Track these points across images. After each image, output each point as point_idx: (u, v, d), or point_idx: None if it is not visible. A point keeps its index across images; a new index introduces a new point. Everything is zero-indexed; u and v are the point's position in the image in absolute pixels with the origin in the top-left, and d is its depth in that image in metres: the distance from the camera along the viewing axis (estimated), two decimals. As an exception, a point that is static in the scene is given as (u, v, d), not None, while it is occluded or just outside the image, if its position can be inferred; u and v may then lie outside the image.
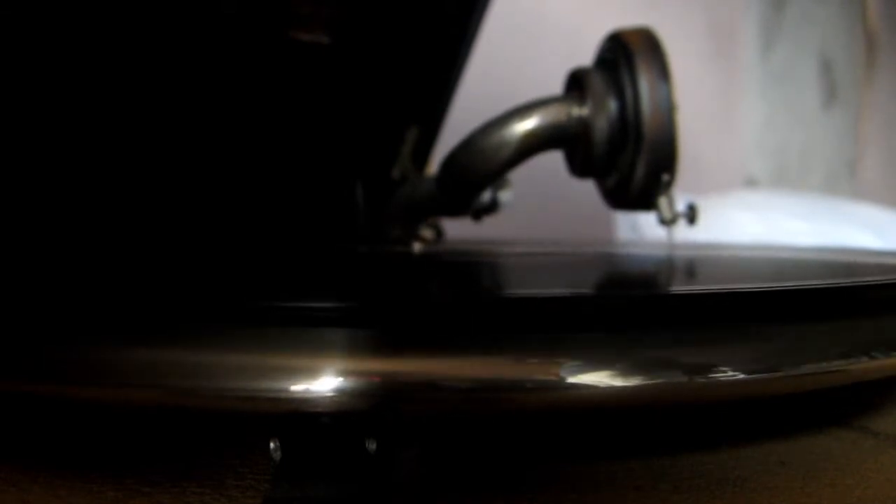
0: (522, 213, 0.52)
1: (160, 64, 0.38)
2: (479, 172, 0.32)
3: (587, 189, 0.35)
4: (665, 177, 0.30)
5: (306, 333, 0.15)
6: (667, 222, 0.31)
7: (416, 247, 0.39)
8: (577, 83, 0.32)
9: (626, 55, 0.30)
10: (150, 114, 0.38)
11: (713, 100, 0.98)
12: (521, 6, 0.75)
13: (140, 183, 0.39)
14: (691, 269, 0.30)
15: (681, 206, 0.31)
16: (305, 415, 0.15)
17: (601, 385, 0.15)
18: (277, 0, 0.39)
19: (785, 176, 1.06)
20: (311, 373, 0.15)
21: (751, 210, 0.68)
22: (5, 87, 0.34)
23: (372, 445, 0.15)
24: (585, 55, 0.34)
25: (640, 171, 0.30)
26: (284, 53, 0.41)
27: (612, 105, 0.31)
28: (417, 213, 0.42)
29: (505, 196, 0.43)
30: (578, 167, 0.33)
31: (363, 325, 0.15)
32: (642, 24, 0.32)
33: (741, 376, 0.16)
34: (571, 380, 0.15)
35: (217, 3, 0.38)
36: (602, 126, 0.31)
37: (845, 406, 0.22)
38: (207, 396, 0.15)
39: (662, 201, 0.31)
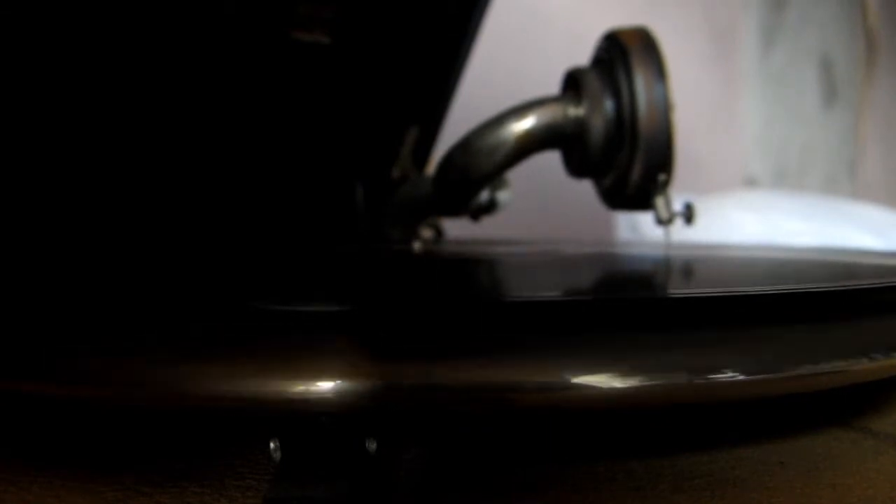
0: (522, 213, 0.52)
1: (161, 64, 0.38)
2: (475, 172, 0.32)
3: (587, 189, 0.35)
4: (662, 176, 0.30)
5: (306, 333, 0.15)
6: (663, 222, 0.31)
7: (416, 247, 0.38)
8: (573, 83, 0.32)
9: (622, 55, 0.30)
10: (151, 114, 0.38)
11: (713, 100, 0.98)
12: (521, 6, 0.75)
13: (141, 183, 0.39)
14: (691, 270, 0.30)
15: (678, 205, 0.31)
16: (305, 415, 0.15)
17: (601, 386, 0.15)
18: (278, 0, 0.39)
19: (785, 176, 1.06)
20: (312, 373, 0.15)
21: (751, 210, 0.68)
22: (6, 87, 0.34)
23: (372, 445, 0.15)
24: (585, 55, 0.34)
25: (637, 170, 0.30)
26: (285, 53, 0.41)
27: (609, 105, 0.31)
28: (417, 213, 0.42)
29: (503, 196, 0.43)
30: (575, 167, 0.33)
31: (363, 326, 0.15)
32: (640, 24, 0.32)
33: (741, 377, 0.16)
34: (572, 381, 0.15)
35: (218, 4, 0.38)
36: (598, 126, 0.31)
37: (845, 406, 0.22)
38: (208, 396, 0.15)
39: (659, 201, 0.31)
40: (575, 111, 0.31)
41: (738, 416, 0.21)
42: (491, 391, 0.15)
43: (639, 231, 0.67)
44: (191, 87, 0.39)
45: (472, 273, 0.29)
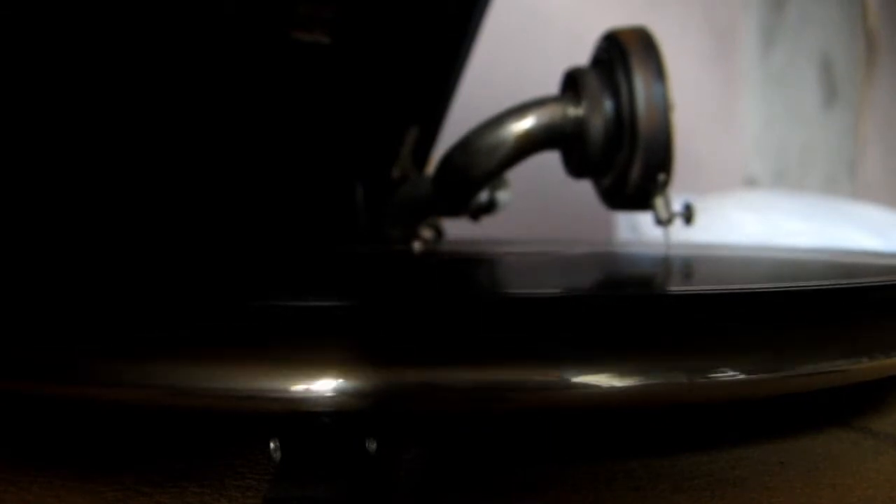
0: (522, 213, 0.52)
1: (161, 64, 0.38)
2: (475, 173, 0.32)
3: (587, 189, 0.35)
4: (661, 176, 0.30)
5: (306, 333, 0.15)
6: (663, 222, 0.31)
7: (416, 247, 0.38)
8: (573, 83, 0.32)
9: (622, 54, 0.30)
10: (151, 114, 0.38)
11: (713, 100, 0.98)
12: (521, 6, 0.75)
13: (140, 183, 0.39)
14: (691, 270, 0.30)
15: (677, 205, 0.31)
16: (305, 415, 0.15)
17: (601, 385, 0.15)
18: (278, 0, 0.39)
19: (785, 176, 1.06)
20: (312, 373, 0.15)
21: (751, 210, 0.68)
22: (6, 87, 0.34)
23: (372, 445, 0.15)
24: (585, 55, 0.34)
25: (636, 170, 0.30)
26: (285, 53, 0.41)
27: (608, 104, 0.30)
28: (417, 213, 0.42)
29: (502, 196, 0.43)
30: (575, 167, 0.33)
31: (363, 325, 0.15)
32: (639, 24, 0.32)
33: (741, 377, 0.16)
34: (572, 380, 0.15)
35: (218, 4, 0.38)
36: (597, 126, 0.31)
37: (845, 406, 0.22)
38: (207, 396, 0.15)
39: (659, 201, 0.31)
40: (574, 111, 0.31)
41: (738, 416, 0.21)
42: (491, 391, 0.15)
43: (639, 231, 0.67)
44: (191, 87, 0.39)
45: (471, 273, 0.29)
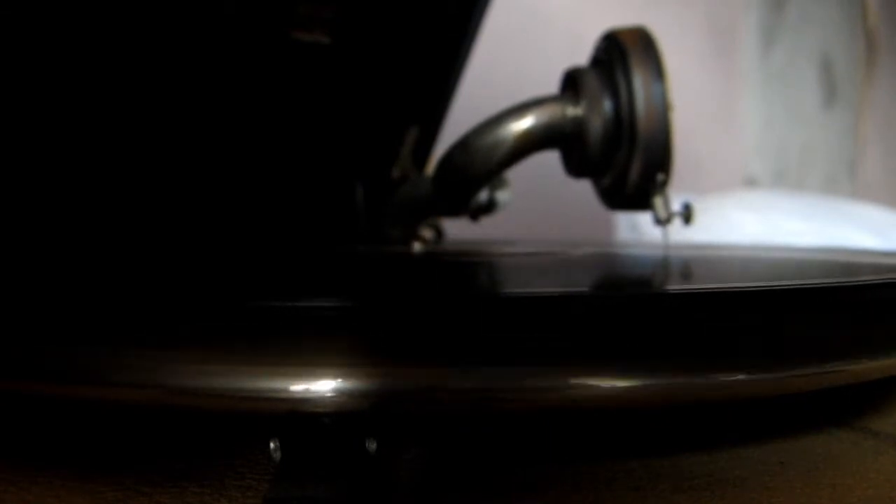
0: (522, 213, 0.52)
1: (161, 64, 0.38)
2: (474, 172, 0.32)
3: (587, 189, 0.35)
4: (660, 176, 0.30)
5: (306, 333, 0.15)
6: (662, 222, 0.31)
7: (416, 247, 0.39)
8: (572, 83, 0.32)
9: (621, 54, 0.30)
10: (151, 114, 0.38)
11: (713, 100, 0.98)
12: (521, 6, 0.75)
13: (140, 183, 0.39)
14: (691, 269, 0.30)
15: (677, 205, 0.31)
16: (305, 415, 0.15)
17: (601, 385, 0.15)
18: (278, 0, 0.39)
19: (785, 176, 1.06)
20: (312, 373, 0.15)
21: (751, 210, 0.68)
22: (5, 87, 0.34)
23: (372, 445, 0.15)
24: (585, 55, 0.34)
25: (635, 170, 0.30)
26: (285, 53, 0.41)
27: (607, 104, 0.31)
28: (417, 213, 0.42)
29: (502, 196, 0.43)
30: (574, 167, 0.33)
31: (363, 325, 0.15)
32: (639, 24, 0.32)
33: (741, 376, 0.16)
34: (572, 380, 0.15)
35: (218, 4, 0.38)
36: (597, 125, 0.31)
37: (845, 406, 0.22)
38: (207, 396, 0.15)
39: (658, 201, 0.31)
40: (573, 111, 0.31)
41: (738, 416, 0.21)
42: (491, 391, 0.15)
43: (639, 231, 0.67)
44: (191, 88, 0.39)
45: (472, 273, 0.29)
